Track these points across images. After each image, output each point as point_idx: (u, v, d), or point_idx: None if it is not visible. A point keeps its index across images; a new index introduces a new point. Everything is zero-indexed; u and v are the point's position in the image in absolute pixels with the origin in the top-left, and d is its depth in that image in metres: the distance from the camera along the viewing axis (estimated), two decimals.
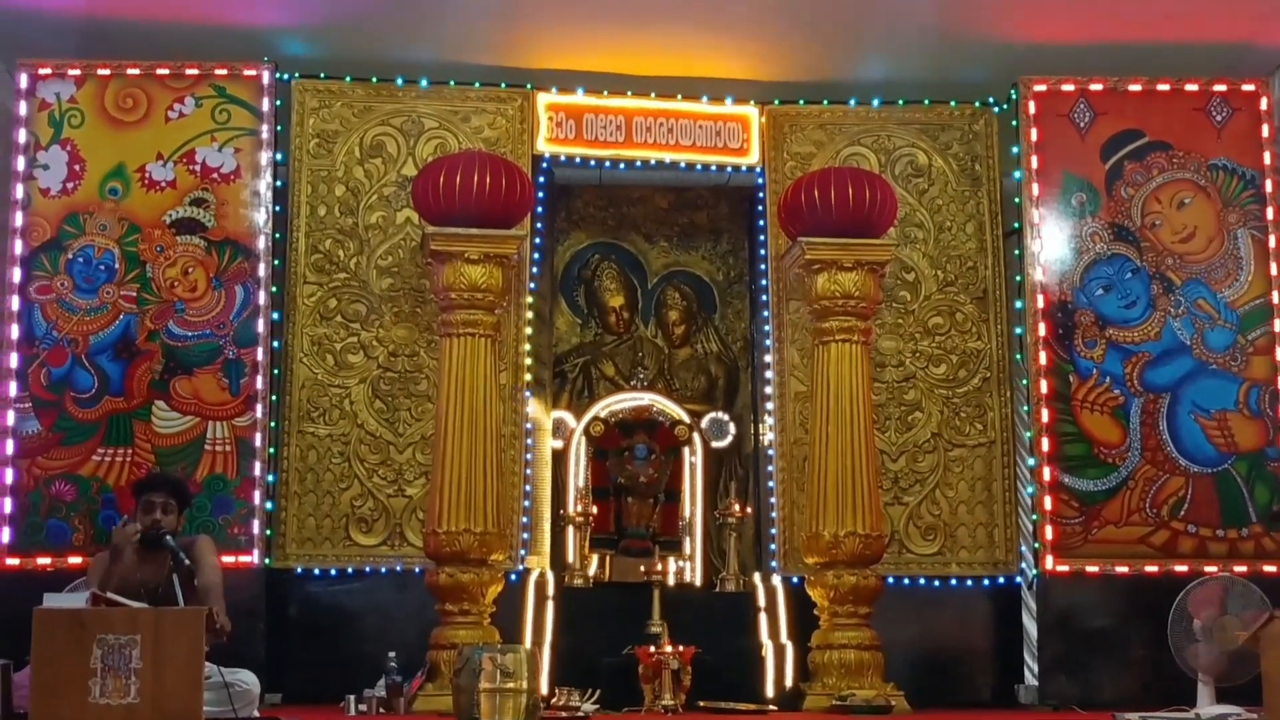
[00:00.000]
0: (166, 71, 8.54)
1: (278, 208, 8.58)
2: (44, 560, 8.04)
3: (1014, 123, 8.86)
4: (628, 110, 8.99)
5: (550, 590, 8.35)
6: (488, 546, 7.69)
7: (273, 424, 8.38)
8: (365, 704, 7.28)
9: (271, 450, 8.36)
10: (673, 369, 9.85)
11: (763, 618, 8.41)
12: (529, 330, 8.70)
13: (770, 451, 8.82)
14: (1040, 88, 8.81)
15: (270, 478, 8.34)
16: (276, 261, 8.54)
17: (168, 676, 4.79)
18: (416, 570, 8.17)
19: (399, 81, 8.86)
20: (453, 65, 8.88)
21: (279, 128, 8.64)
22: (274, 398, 8.43)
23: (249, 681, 6.07)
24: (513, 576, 8.21)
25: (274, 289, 8.49)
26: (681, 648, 7.49)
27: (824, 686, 7.74)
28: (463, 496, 7.64)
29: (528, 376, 8.65)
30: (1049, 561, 8.38)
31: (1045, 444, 8.48)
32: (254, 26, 8.63)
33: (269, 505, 8.32)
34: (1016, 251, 8.86)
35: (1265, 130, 8.80)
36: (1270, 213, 8.72)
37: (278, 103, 8.63)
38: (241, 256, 8.45)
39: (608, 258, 9.95)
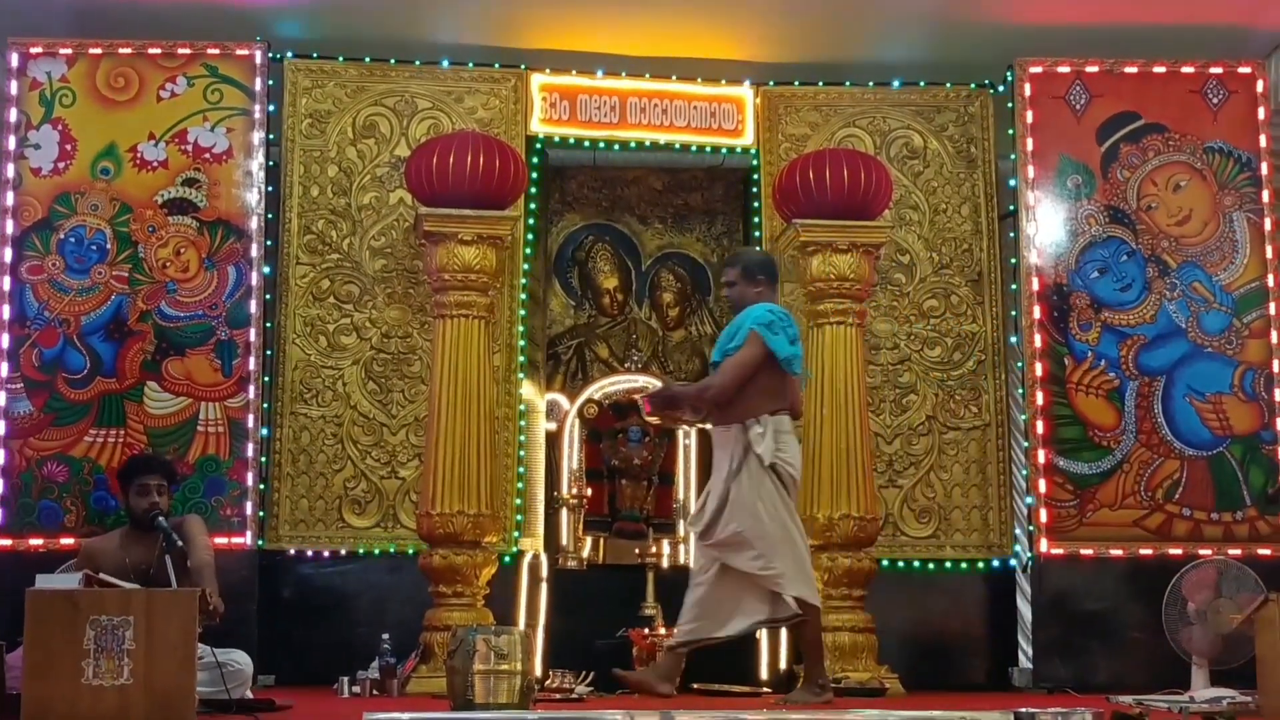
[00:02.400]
0: (158, 51, 8.50)
1: (270, 188, 8.54)
2: (36, 541, 8.01)
3: (1010, 105, 8.84)
4: (622, 91, 8.96)
5: (544, 572, 8.35)
6: (481, 528, 7.68)
7: (265, 405, 8.36)
8: (359, 686, 7.27)
9: (264, 431, 8.34)
10: (667, 351, 9.83)
11: None
12: (522, 312, 8.68)
13: None
14: (1036, 69, 8.78)
15: (263, 459, 8.31)
16: (269, 242, 8.50)
17: (161, 657, 4.77)
18: (410, 552, 8.16)
19: (392, 61, 8.82)
20: (446, 45, 8.85)
21: (271, 107, 8.60)
22: (266, 379, 8.40)
23: (242, 661, 6.06)
24: (506, 559, 8.20)
25: (266, 270, 8.45)
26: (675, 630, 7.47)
27: None
28: (456, 478, 7.63)
29: (521, 358, 8.63)
30: (1043, 544, 8.38)
31: (1040, 427, 8.47)
32: (246, 6, 8.60)
33: (262, 487, 8.29)
34: (1012, 234, 8.85)
35: (1261, 113, 8.78)
36: (1266, 195, 8.70)
37: (270, 82, 8.59)
38: (234, 237, 8.41)
39: (601, 239, 9.92)
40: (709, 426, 6.93)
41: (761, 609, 6.44)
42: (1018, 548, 8.73)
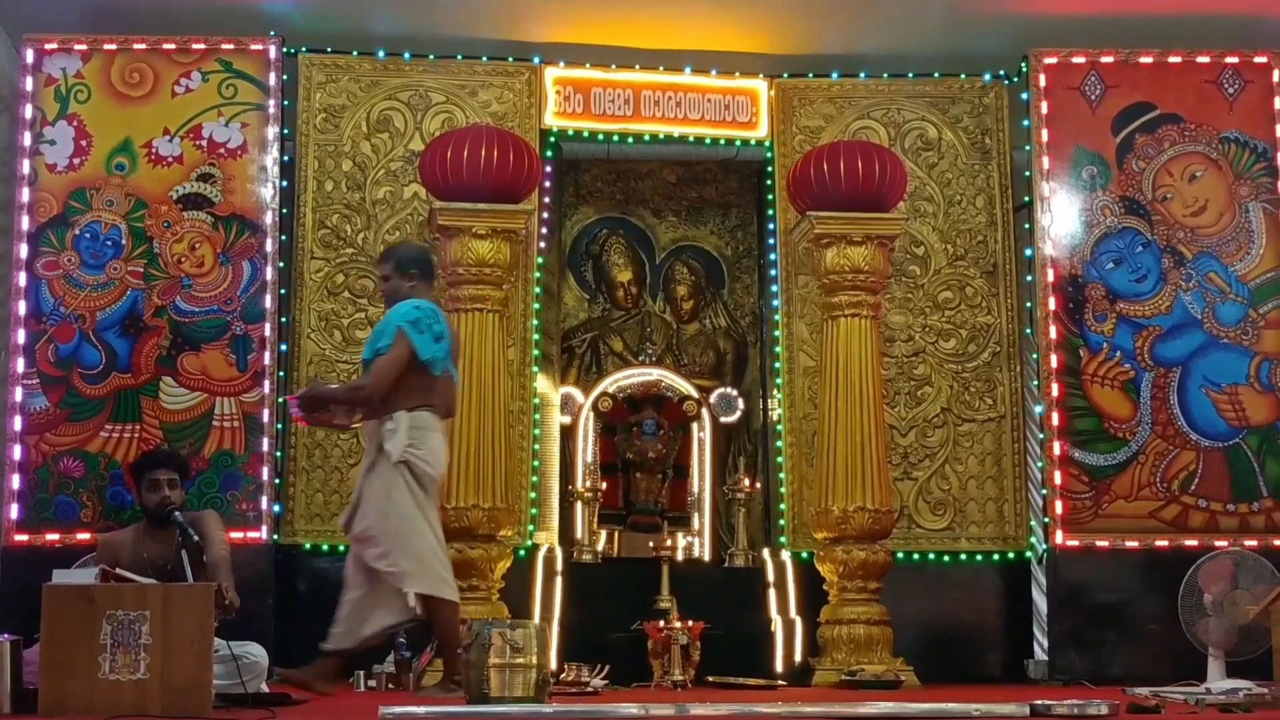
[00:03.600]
0: (173, 46, 8.52)
1: (284, 183, 8.56)
2: (52, 536, 8.04)
3: (1024, 96, 8.83)
4: (635, 84, 8.96)
5: (559, 566, 8.36)
6: (496, 522, 7.68)
7: (280, 400, 8.37)
8: (374, 680, 7.29)
9: (279, 426, 8.35)
10: (681, 344, 9.84)
11: (772, 593, 8.43)
12: (537, 305, 8.69)
13: (779, 427, 8.81)
14: (1051, 60, 8.76)
15: (278, 454, 8.33)
16: (283, 237, 8.52)
17: (177, 652, 4.77)
18: None
19: (406, 56, 8.82)
20: (460, 39, 8.85)
21: (285, 102, 8.61)
22: (281, 373, 8.42)
23: (257, 654, 6.06)
24: (521, 552, 8.20)
25: (281, 264, 8.47)
26: (690, 623, 7.48)
27: (833, 661, 7.74)
28: (471, 472, 7.63)
29: (536, 352, 8.63)
30: (1059, 536, 8.37)
31: (1055, 418, 8.46)
32: (260, 1, 8.60)
33: (277, 481, 8.31)
34: (1027, 225, 8.83)
35: (1277, 102, 8.75)
36: None
37: (284, 77, 8.60)
38: (248, 232, 8.43)
39: (616, 232, 9.93)
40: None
41: (396, 611, 6.29)
42: (1033, 539, 8.72)
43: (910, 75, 9.08)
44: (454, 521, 7.61)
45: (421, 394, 6.36)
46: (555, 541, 8.69)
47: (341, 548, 8.34)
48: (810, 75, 9.08)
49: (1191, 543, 8.27)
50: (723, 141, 9.11)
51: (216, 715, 4.87)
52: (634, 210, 10.01)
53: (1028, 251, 8.78)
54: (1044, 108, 8.73)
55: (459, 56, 8.86)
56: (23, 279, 8.27)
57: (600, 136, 9.03)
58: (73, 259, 8.31)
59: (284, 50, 8.62)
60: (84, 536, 7.88)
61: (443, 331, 6.44)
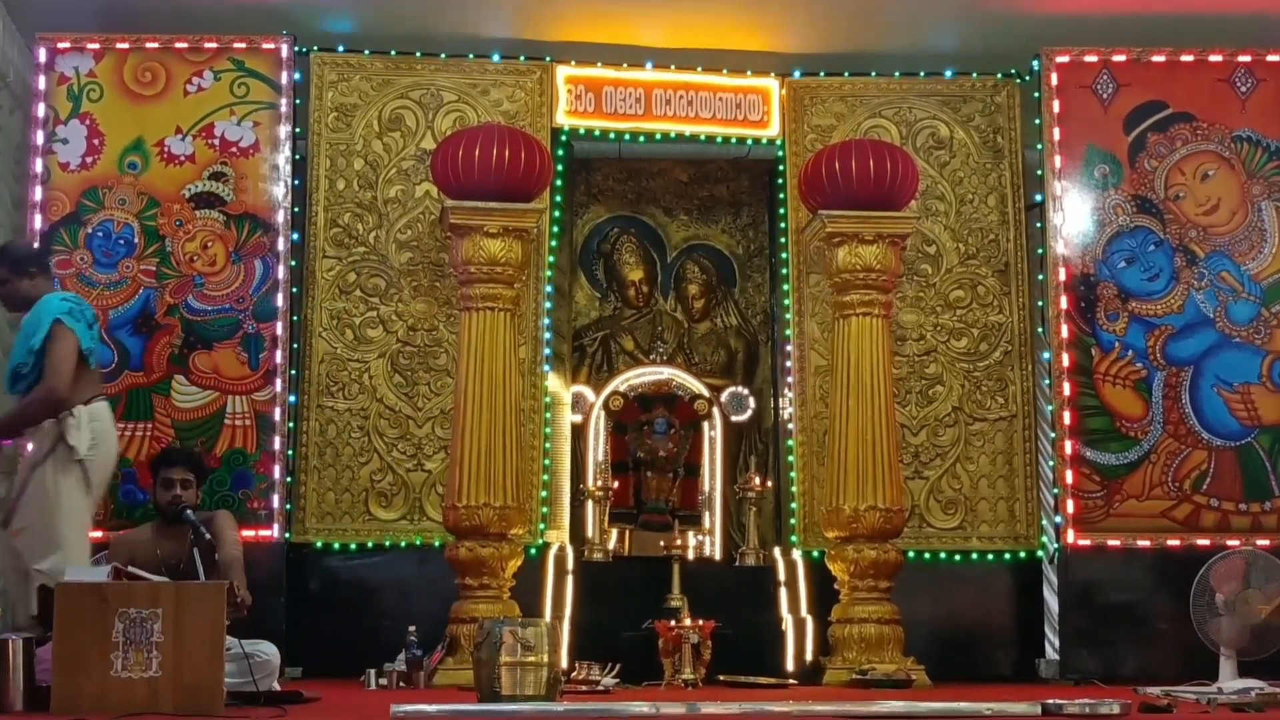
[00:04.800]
0: (185, 45, 8.53)
1: (296, 181, 8.57)
2: None
3: (1036, 94, 8.81)
4: (647, 83, 8.95)
5: (570, 564, 8.37)
6: (507, 521, 7.69)
7: (292, 398, 8.39)
8: (385, 678, 7.30)
9: (291, 425, 8.36)
10: (692, 343, 9.84)
11: (783, 592, 8.43)
12: (548, 304, 8.69)
13: (790, 426, 8.80)
14: (1063, 59, 8.75)
15: (290, 453, 8.34)
16: (295, 235, 8.53)
17: (189, 650, 4.79)
18: (436, 544, 8.18)
19: (417, 55, 8.83)
20: (471, 38, 8.86)
21: (298, 101, 8.62)
22: (293, 372, 8.43)
23: (269, 652, 6.07)
24: (532, 551, 8.21)
25: (293, 263, 8.48)
26: (701, 622, 7.48)
27: (844, 661, 7.73)
28: (482, 471, 7.64)
29: (547, 350, 8.63)
30: (1070, 535, 8.36)
31: (1067, 418, 8.45)
32: (273, 0, 8.62)
33: (288, 480, 8.32)
34: (1038, 224, 8.82)
35: None
36: None
37: (296, 76, 8.61)
38: (260, 230, 8.44)
39: (627, 231, 9.93)
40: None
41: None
42: (1044, 539, 8.71)
43: (922, 74, 9.06)
44: (465, 520, 7.64)
45: (90, 384, 6.37)
46: (566, 540, 8.70)
47: (353, 546, 8.39)
48: (822, 74, 9.07)
49: (1203, 542, 8.26)
50: (734, 140, 9.11)
51: (228, 713, 4.88)
52: (645, 209, 10.02)
53: (1039, 250, 8.77)
54: (1056, 106, 8.71)
55: (470, 55, 8.86)
56: None
57: (612, 135, 9.03)
58: (85, 257, 8.33)
59: (296, 49, 8.63)
60: (96, 535, 7.85)
61: (93, 318, 6.48)
